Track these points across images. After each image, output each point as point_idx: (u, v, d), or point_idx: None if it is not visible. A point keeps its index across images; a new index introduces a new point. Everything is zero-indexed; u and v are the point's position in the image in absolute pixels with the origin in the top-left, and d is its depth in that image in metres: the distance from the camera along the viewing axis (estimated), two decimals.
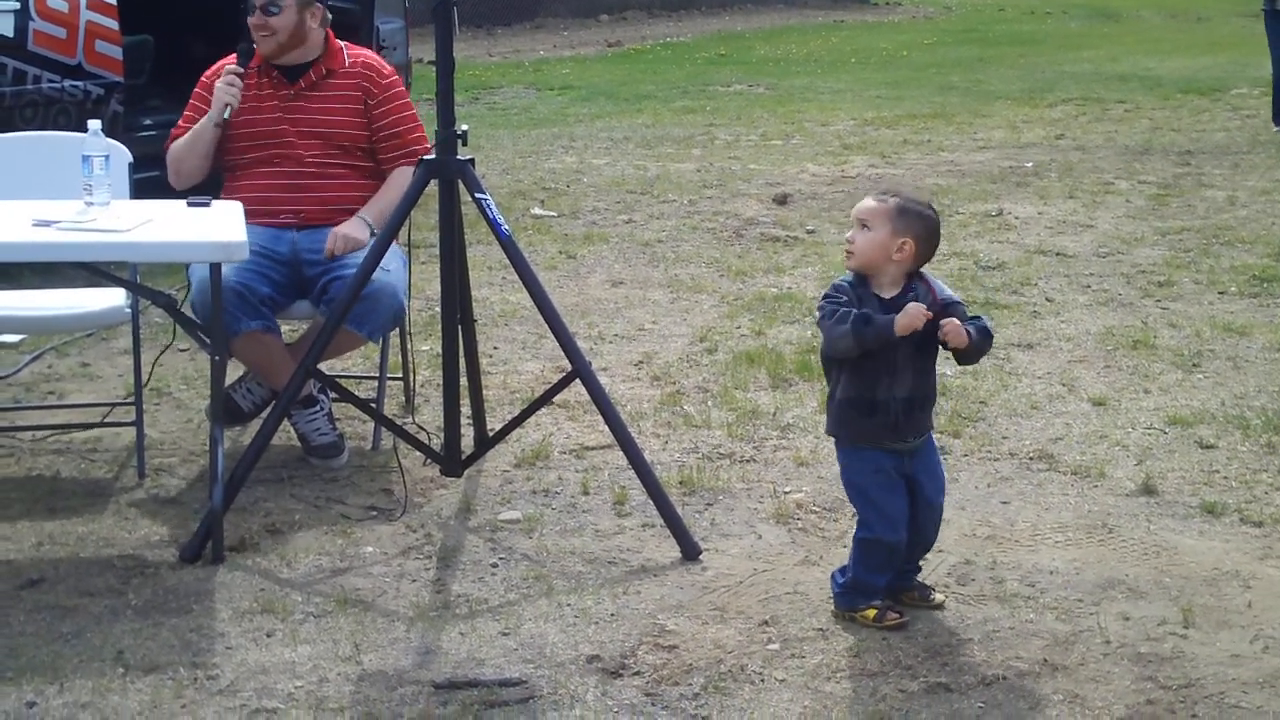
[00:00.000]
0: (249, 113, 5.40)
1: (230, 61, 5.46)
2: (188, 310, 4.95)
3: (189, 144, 5.38)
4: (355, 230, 5.26)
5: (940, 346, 4.01)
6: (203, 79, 5.51)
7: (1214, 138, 13.20)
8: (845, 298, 3.97)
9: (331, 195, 5.37)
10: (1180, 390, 6.08)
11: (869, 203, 4.04)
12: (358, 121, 5.42)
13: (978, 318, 4.05)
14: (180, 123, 5.47)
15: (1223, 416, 5.74)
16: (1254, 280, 7.88)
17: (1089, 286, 7.80)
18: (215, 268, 4.51)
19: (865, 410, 4.01)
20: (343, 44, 5.56)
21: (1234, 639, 4.00)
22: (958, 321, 3.95)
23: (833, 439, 4.20)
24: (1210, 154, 12.27)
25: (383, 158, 5.45)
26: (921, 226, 4.01)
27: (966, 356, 4.06)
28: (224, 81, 5.33)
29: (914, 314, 3.89)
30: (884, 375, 3.98)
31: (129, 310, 5.19)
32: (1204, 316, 7.18)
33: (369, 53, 5.68)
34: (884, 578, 4.10)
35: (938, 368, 4.13)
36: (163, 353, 5.61)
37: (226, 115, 5.32)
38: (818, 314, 4.03)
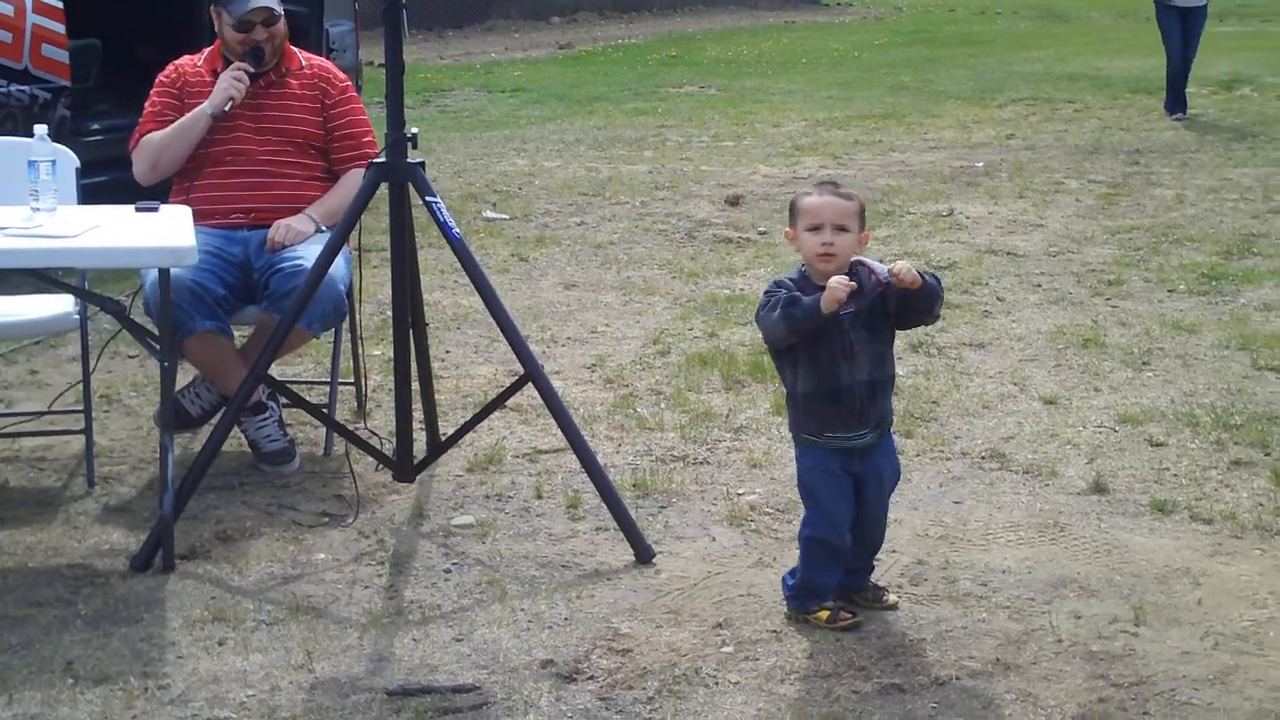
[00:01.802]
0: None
1: (192, 63, 5.55)
2: (138, 315, 4.92)
3: (176, 134, 5.35)
4: (299, 223, 5.27)
5: (895, 323, 4.06)
6: (160, 79, 5.51)
7: (1162, 137, 13.28)
8: (784, 290, 3.98)
9: (284, 194, 5.37)
10: (1130, 388, 6.11)
11: (840, 203, 4.01)
12: (314, 120, 5.45)
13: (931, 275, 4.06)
14: (144, 121, 5.45)
15: (1172, 414, 5.77)
16: (1203, 278, 7.94)
17: (1039, 286, 7.84)
18: (164, 272, 4.47)
19: (830, 399, 4.00)
20: (296, 49, 5.60)
21: (1184, 636, 4.02)
22: (906, 263, 3.97)
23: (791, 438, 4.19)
24: (1159, 153, 12.36)
25: (335, 158, 5.47)
26: (864, 217, 4.11)
27: (922, 304, 3.99)
28: (233, 75, 5.34)
29: (835, 286, 3.86)
30: (842, 361, 3.98)
31: (77, 317, 5.14)
32: (1153, 315, 7.22)
33: (323, 59, 5.75)
34: (833, 577, 4.11)
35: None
36: (98, 359, 5.56)
37: (228, 108, 5.31)
38: (759, 310, 4.03)
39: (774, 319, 3.95)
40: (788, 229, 4.11)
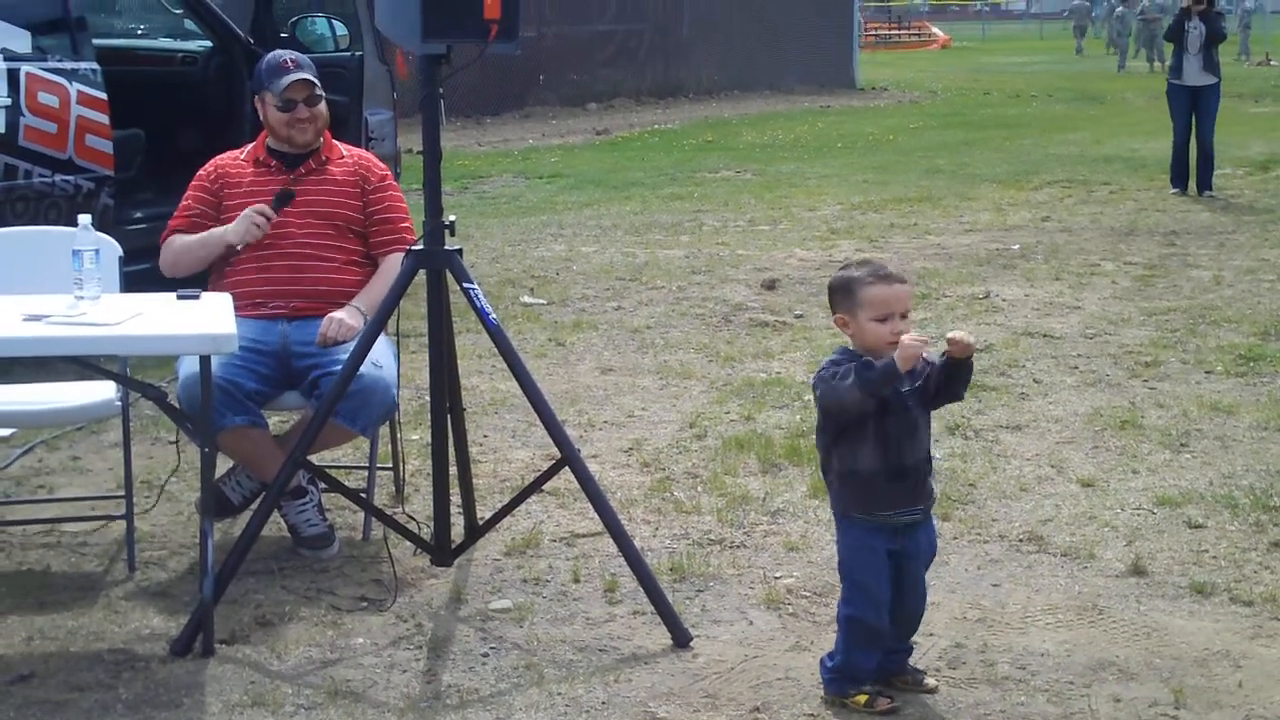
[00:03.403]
0: (248, 196, 5.47)
1: (234, 156, 5.63)
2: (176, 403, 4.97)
3: (197, 245, 5.42)
4: (350, 317, 5.30)
5: (930, 402, 4.06)
6: (199, 174, 5.59)
7: (1199, 218, 13.29)
8: (846, 362, 3.96)
9: (323, 278, 5.41)
10: (1168, 470, 6.10)
11: (904, 290, 4.02)
12: (354, 204, 5.51)
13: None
14: (177, 214, 5.53)
15: (1211, 496, 5.75)
16: (1240, 359, 7.92)
17: (1076, 368, 7.83)
18: (204, 360, 4.52)
19: (895, 476, 4.00)
20: (337, 141, 5.70)
21: (1225, 719, 3.99)
22: (963, 331, 3.98)
23: (834, 518, 4.15)
24: (1195, 234, 12.36)
25: (374, 241, 5.52)
26: None
27: (964, 378, 4.02)
28: (254, 220, 5.33)
29: (911, 344, 3.84)
30: (906, 439, 4.01)
31: (119, 403, 5.20)
32: (1191, 396, 7.21)
33: (363, 150, 5.88)
34: (873, 659, 4.09)
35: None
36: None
37: (240, 249, 5.35)
38: (818, 383, 3.97)
39: (847, 385, 3.89)
40: (840, 315, 4.04)
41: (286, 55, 5.57)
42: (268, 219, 5.36)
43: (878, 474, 4.00)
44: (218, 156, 5.69)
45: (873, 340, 3.97)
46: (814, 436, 4.17)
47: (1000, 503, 5.74)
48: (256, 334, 5.21)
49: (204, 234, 5.45)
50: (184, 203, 5.55)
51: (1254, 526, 5.43)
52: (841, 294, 4.05)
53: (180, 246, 5.47)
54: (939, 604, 4.69)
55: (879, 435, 3.99)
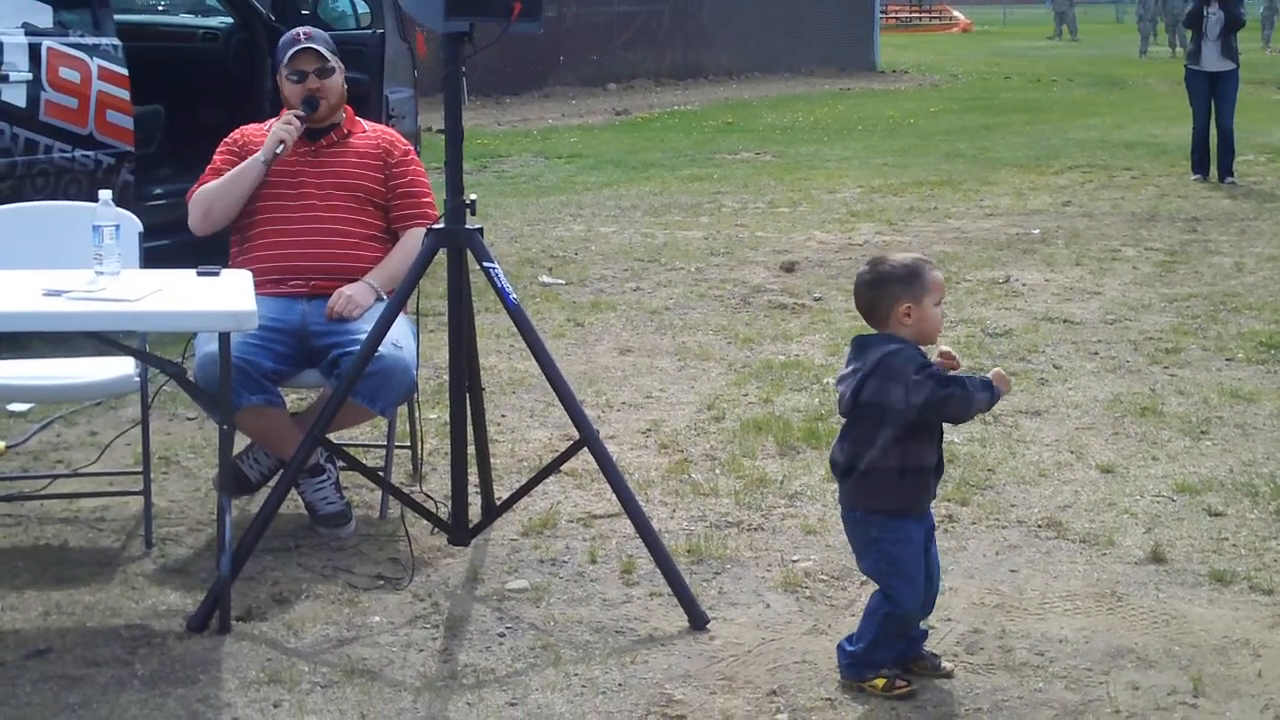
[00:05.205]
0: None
1: (258, 128, 5.63)
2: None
3: (229, 183, 5.40)
4: (359, 293, 5.29)
5: None
6: (225, 140, 5.59)
7: (1220, 204, 13.23)
8: (928, 364, 3.96)
9: (343, 253, 5.39)
10: (1188, 457, 6.07)
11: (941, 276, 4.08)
12: (376, 176, 5.49)
13: None
14: (204, 175, 5.52)
15: (1231, 484, 5.73)
16: (1261, 346, 7.88)
17: (1096, 354, 7.80)
18: (224, 337, 4.52)
19: (938, 470, 4.08)
20: (359, 119, 5.69)
21: (1244, 708, 3.98)
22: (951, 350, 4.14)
23: (861, 513, 4.07)
24: (1217, 220, 12.31)
25: (395, 215, 5.50)
26: None
27: None
28: (284, 121, 5.39)
29: (1005, 377, 4.03)
30: (938, 439, 4.06)
31: (137, 379, 5.20)
32: (1212, 383, 7.17)
33: (386, 127, 5.86)
34: (898, 647, 4.09)
35: (947, 435, 4.16)
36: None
37: (279, 151, 5.35)
38: (928, 381, 3.88)
39: (985, 399, 3.95)
40: (906, 304, 3.95)
41: (301, 30, 5.57)
42: (300, 118, 5.36)
43: (927, 470, 4.04)
44: (246, 127, 5.68)
45: (931, 327, 4.01)
46: (842, 428, 4.09)
47: (1019, 488, 5.72)
48: (276, 312, 5.20)
49: (232, 170, 5.43)
50: (211, 165, 5.54)
51: (1274, 515, 5.41)
52: (908, 281, 3.98)
53: (212, 190, 5.43)
54: (957, 589, 4.68)
55: (932, 432, 4.03)
